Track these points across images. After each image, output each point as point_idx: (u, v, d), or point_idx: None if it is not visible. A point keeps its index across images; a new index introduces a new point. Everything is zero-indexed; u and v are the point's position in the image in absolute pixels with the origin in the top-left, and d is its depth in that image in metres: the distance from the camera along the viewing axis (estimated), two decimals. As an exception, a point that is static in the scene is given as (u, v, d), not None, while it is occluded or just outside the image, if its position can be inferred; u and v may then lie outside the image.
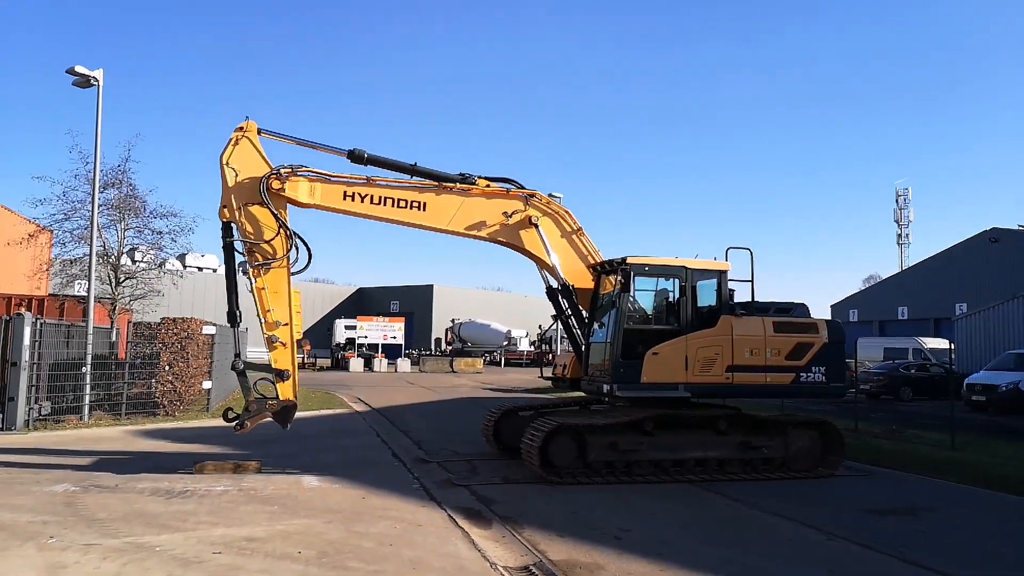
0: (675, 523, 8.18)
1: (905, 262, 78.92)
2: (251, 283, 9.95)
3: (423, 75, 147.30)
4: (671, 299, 11.41)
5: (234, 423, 9.89)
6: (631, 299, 11.04)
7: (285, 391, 10.00)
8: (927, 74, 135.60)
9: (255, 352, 19.70)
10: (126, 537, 6.84)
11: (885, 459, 12.82)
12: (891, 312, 49.11)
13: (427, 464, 11.46)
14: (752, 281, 11.42)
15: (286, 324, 9.94)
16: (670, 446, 10.63)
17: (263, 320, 9.88)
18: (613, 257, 11.31)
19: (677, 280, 11.16)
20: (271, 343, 9.89)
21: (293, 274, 10.19)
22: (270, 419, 10.06)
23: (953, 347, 21.41)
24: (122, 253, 20.07)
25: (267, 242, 9.92)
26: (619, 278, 10.86)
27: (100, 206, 18.77)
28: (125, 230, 19.95)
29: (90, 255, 16.47)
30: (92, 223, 16.57)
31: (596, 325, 11.72)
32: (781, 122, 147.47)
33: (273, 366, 9.92)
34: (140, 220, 20.31)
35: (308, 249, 10.21)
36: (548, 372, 13.56)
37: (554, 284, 11.72)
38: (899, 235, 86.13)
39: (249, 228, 9.95)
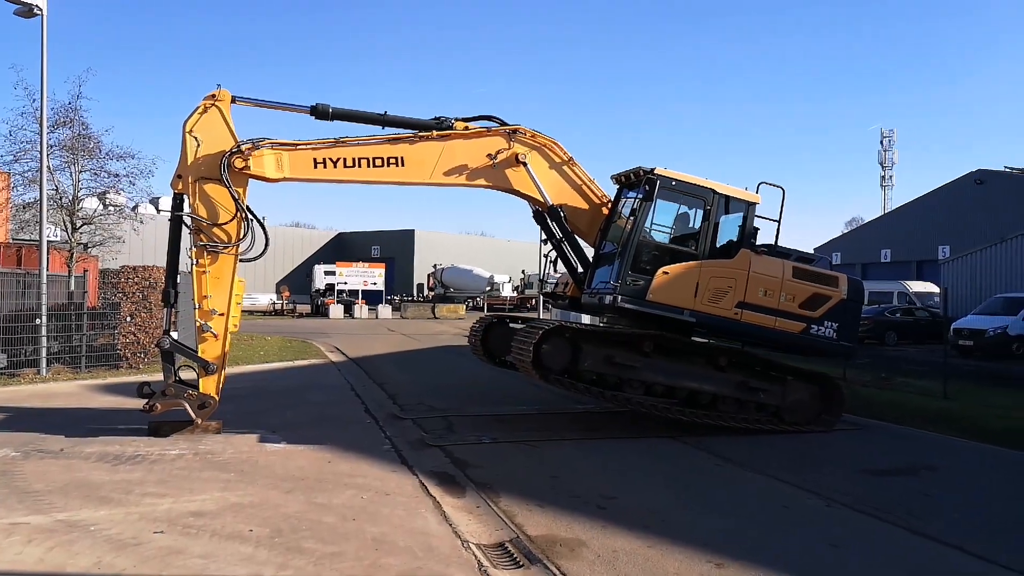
0: (664, 487, 7.65)
1: (888, 205, 78.91)
2: (192, 263, 9.12)
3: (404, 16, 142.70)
4: (693, 221, 10.82)
5: (145, 401, 9.15)
6: (651, 212, 10.39)
7: (207, 385, 9.24)
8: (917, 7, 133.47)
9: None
10: (60, 513, 6.16)
11: (877, 410, 12.42)
12: (874, 255, 48.90)
13: (401, 421, 10.85)
14: (779, 222, 10.81)
15: (222, 314, 9.14)
16: (666, 372, 10.12)
17: (197, 306, 9.09)
18: (640, 165, 10.58)
19: (703, 203, 10.52)
20: (202, 332, 9.12)
21: (244, 260, 9.35)
22: (183, 408, 9.15)
23: (943, 292, 21.00)
24: (77, 197, 18.89)
25: (220, 225, 9.07)
26: (643, 185, 10.24)
27: (51, 147, 17.61)
28: (80, 172, 18.75)
29: (40, 198, 15.40)
30: (42, 164, 15.44)
31: (608, 239, 11.09)
32: (764, 56, 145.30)
33: (200, 356, 9.18)
34: (95, 162, 19.05)
35: (266, 235, 9.39)
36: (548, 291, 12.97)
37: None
38: (883, 177, 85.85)
39: (202, 207, 9.07)
